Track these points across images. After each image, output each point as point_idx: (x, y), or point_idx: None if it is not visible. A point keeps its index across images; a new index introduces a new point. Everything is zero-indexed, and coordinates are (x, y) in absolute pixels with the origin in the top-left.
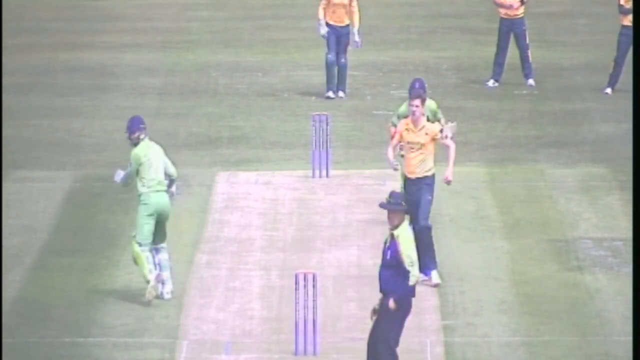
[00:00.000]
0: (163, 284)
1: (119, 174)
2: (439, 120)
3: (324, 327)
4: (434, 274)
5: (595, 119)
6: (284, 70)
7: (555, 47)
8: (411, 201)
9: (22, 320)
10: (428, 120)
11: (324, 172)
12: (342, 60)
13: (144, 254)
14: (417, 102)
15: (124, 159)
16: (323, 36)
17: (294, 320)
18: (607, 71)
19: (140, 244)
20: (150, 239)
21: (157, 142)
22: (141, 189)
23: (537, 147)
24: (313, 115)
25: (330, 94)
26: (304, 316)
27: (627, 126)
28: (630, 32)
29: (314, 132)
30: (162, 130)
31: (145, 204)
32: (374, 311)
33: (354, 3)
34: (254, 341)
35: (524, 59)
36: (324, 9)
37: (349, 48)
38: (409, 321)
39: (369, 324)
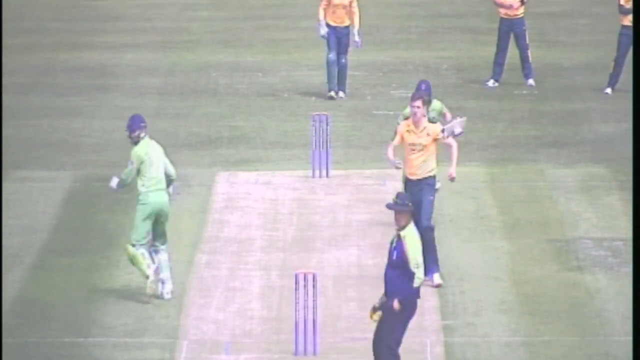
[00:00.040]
0: (163, 283)
1: (114, 181)
2: (443, 115)
3: (324, 327)
4: (436, 276)
5: (595, 119)
6: (284, 70)
7: (555, 47)
8: (413, 202)
9: (22, 320)
10: (431, 120)
11: (324, 172)
12: (343, 60)
13: (140, 252)
14: (419, 103)
15: (124, 159)
16: (323, 37)
17: (294, 320)
18: (607, 71)
19: (134, 245)
20: (145, 239)
21: (157, 142)
22: (140, 188)
23: (537, 147)
24: (313, 115)
25: (333, 93)
26: (304, 316)
27: (627, 126)
28: (630, 32)
29: (314, 132)
30: (162, 130)
31: (143, 204)
32: (374, 309)
33: (354, 4)
34: (254, 341)
35: (523, 59)
36: (324, 9)
37: (349, 48)
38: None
39: (369, 324)
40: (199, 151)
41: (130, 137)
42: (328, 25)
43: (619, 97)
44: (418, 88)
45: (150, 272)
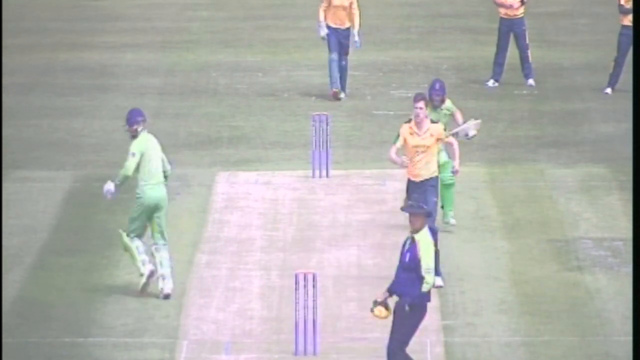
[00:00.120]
0: (163, 279)
1: (109, 186)
2: (452, 116)
3: (324, 327)
4: (438, 279)
5: (595, 119)
6: (284, 70)
7: (555, 47)
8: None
9: (22, 320)
10: (433, 121)
11: (324, 172)
12: (343, 62)
13: (134, 243)
14: (421, 104)
15: (124, 159)
16: (323, 38)
17: (294, 320)
18: (607, 71)
19: (128, 235)
20: (139, 232)
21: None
22: (139, 182)
23: (537, 147)
24: (313, 115)
25: (337, 89)
26: (304, 316)
27: (627, 126)
28: (631, 32)
29: (314, 132)
30: (162, 130)
31: (139, 197)
32: (375, 303)
33: (355, 5)
34: (254, 341)
35: (523, 59)
36: (325, 11)
37: (350, 49)
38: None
39: (369, 324)
40: (199, 151)
41: (129, 130)
42: (328, 26)
43: (619, 97)
44: (432, 87)
45: (145, 270)
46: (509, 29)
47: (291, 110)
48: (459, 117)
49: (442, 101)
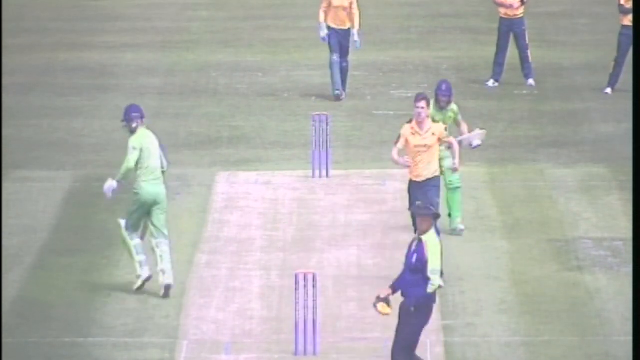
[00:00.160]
0: (164, 273)
1: (109, 185)
2: (457, 123)
3: (324, 327)
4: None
5: (595, 119)
6: (284, 70)
7: (555, 47)
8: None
9: (22, 320)
10: (435, 120)
11: (324, 172)
12: (344, 64)
13: (133, 242)
14: (423, 103)
15: (124, 159)
16: (323, 39)
17: (294, 320)
18: (607, 71)
19: (127, 228)
20: (135, 228)
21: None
22: (137, 178)
23: (537, 147)
24: (313, 115)
25: (338, 92)
26: (304, 316)
27: (627, 126)
28: (631, 32)
29: (314, 132)
30: (162, 130)
31: (137, 193)
32: (378, 299)
33: (355, 5)
34: (254, 341)
35: (523, 59)
36: (325, 12)
37: (350, 48)
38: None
39: (369, 324)
40: (199, 151)
41: (126, 126)
42: (329, 27)
43: (619, 97)
44: (439, 88)
45: (141, 273)
46: (509, 29)
47: (291, 110)
48: (464, 128)
49: (449, 102)
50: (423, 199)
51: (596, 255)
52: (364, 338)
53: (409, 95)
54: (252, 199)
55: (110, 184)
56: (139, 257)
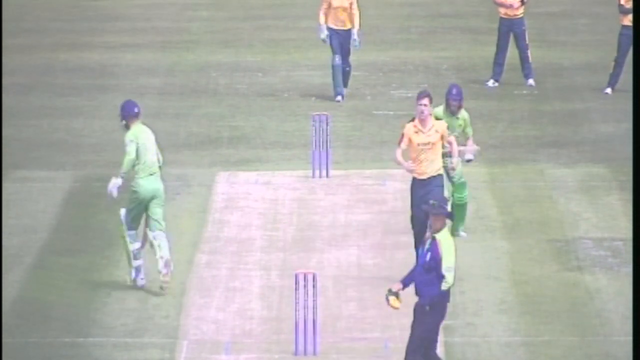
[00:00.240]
0: (162, 258)
1: (114, 184)
2: (467, 137)
3: (324, 327)
4: None
5: (595, 119)
6: (284, 70)
7: (555, 47)
8: (421, 202)
9: (22, 320)
10: (438, 118)
11: (324, 172)
12: (347, 69)
13: (132, 246)
14: (425, 101)
15: (123, 157)
16: (323, 40)
17: (294, 320)
18: (607, 71)
19: (128, 229)
20: (135, 225)
21: (157, 142)
22: (135, 175)
23: (537, 147)
24: (313, 115)
25: (339, 98)
26: (304, 316)
27: (627, 126)
28: (630, 32)
29: (314, 132)
30: (162, 130)
31: (134, 190)
32: (390, 292)
33: (354, 5)
34: (254, 341)
35: (523, 59)
36: (325, 13)
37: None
38: (409, 321)
39: (369, 324)
40: (199, 151)
41: (125, 125)
42: (330, 28)
43: (619, 97)
44: (449, 92)
45: (134, 278)
46: (509, 29)
47: (291, 110)
48: (468, 143)
49: (460, 107)
50: (426, 199)
51: (596, 255)
52: (364, 338)
53: (409, 95)
54: (252, 199)
55: (115, 181)
56: (136, 263)
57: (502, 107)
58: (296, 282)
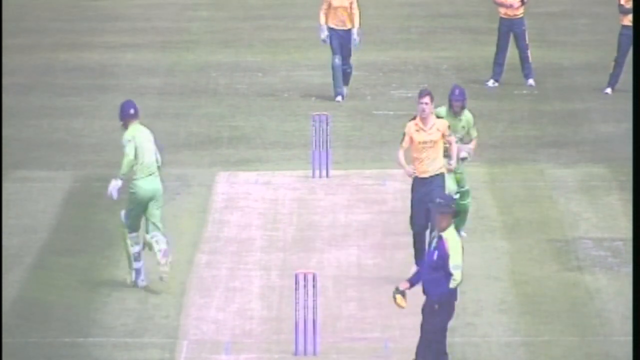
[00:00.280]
0: (160, 251)
1: (114, 186)
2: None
3: (324, 327)
4: None
5: (595, 119)
6: (284, 70)
7: (555, 47)
8: (421, 202)
9: (22, 320)
10: (439, 116)
11: (324, 172)
12: (348, 70)
13: (132, 249)
14: (427, 99)
15: (122, 157)
16: (324, 41)
17: (294, 320)
18: (607, 71)
19: (129, 231)
20: (136, 227)
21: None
22: (133, 176)
23: (537, 147)
24: (313, 115)
25: (339, 98)
26: (304, 316)
27: (627, 126)
28: (630, 32)
29: (314, 132)
30: (162, 130)
31: (132, 192)
32: (397, 290)
33: (354, 5)
34: (254, 341)
35: (523, 59)
36: (325, 13)
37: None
38: (409, 321)
39: (369, 324)
40: (199, 151)
41: (123, 125)
42: (330, 28)
43: (619, 97)
44: (452, 93)
45: (134, 280)
46: (509, 29)
47: (291, 110)
48: (472, 144)
49: (462, 107)
50: (428, 199)
51: (596, 255)
52: (364, 338)
53: (409, 95)
54: (252, 199)
55: (115, 183)
56: (137, 265)
57: (502, 107)
58: (296, 282)
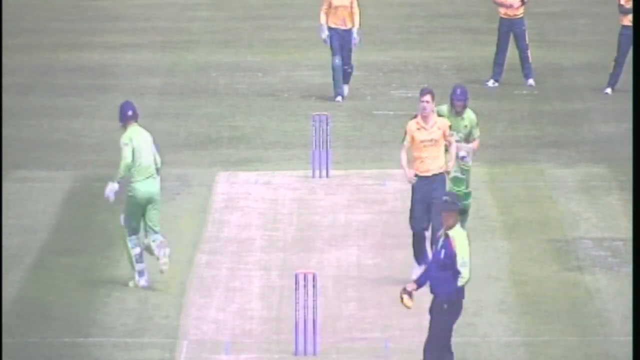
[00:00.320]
0: (158, 245)
1: (110, 188)
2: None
3: (324, 327)
4: None
5: (595, 119)
6: (284, 70)
7: (555, 47)
8: (423, 200)
9: (22, 320)
10: (440, 115)
11: (324, 172)
12: (349, 70)
13: (133, 251)
14: (428, 97)
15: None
16: (324, 41)
17: (294, 320)
18: (607, 71)
19: (129, 234)
20: (135, 229)
21: (157, 142)
22: (131, 178)
23: (537, 147)
24: (313, 115)
25: (339, 98)
26: (304, 316)
27: (627, 126)
28: (630, 32)
29: (314, 132)
30: (162, 130)
31: (131, 195)
32: (404, 290)
33: (355, 4)
34: (254, 341)
35: (523, 59)
36: (326, 13)
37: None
38: (409, 321)
39: (369, 324)
40: (199, 151)
41: (123, 127)
42: (330, 28)
43: (619, 97)
44: (453, 92)
45: (138, 282)
46: (509, 29)
47: (291, 110)
48: (475, 143)
49: (464, 107)
50: (430, 197)
51: (596, 255)
52: (364, 338)
53: (409, 95)
54: (252, 199)
55: (111, 186)
56: (139, 266)
57: (502, 107)
58: (296, 282)
